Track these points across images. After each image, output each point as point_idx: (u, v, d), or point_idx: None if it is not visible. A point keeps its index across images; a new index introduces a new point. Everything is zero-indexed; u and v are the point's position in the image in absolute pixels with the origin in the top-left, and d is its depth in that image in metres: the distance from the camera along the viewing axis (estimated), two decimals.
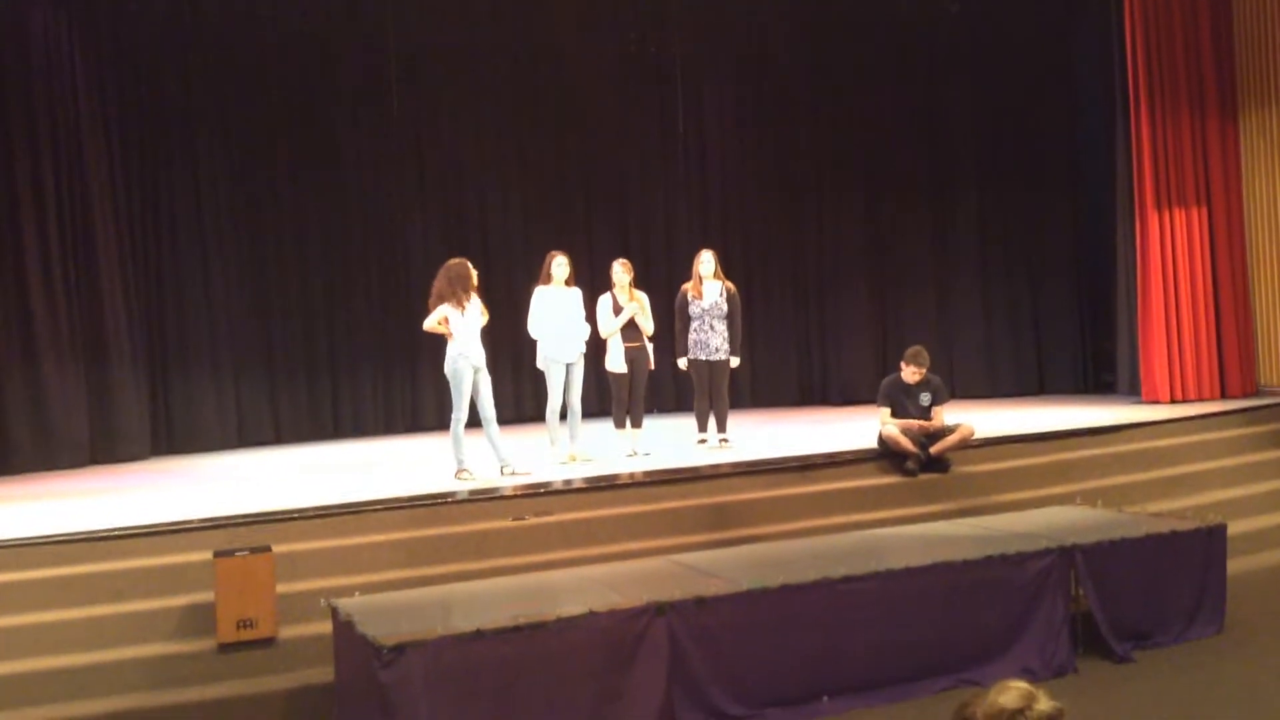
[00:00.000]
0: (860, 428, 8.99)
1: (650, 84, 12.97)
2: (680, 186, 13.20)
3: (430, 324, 8.01)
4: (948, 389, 8.38)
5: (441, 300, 7.94)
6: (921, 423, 7.85)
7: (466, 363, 7.87)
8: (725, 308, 8.88)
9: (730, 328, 8.90)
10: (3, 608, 5.77)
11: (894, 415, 7.91)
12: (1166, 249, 10.43)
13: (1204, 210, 10.56)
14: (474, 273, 8.03)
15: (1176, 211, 10.45)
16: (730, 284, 9.06)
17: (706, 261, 8.95)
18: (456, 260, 8.12)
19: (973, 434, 7.91)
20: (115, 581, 5.97)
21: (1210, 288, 10.58)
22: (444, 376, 7.97)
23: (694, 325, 8.91)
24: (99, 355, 10.51)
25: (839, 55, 12.88)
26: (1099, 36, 11.37)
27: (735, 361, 8.97)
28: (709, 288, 8.92)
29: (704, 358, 8.92)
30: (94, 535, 6.31)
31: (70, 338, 10.25)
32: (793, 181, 13.05)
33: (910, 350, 8.05)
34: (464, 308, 7.90)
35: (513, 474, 7.85)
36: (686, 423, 9.34)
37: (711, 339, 8.88)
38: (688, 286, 9.00)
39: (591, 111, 12.88)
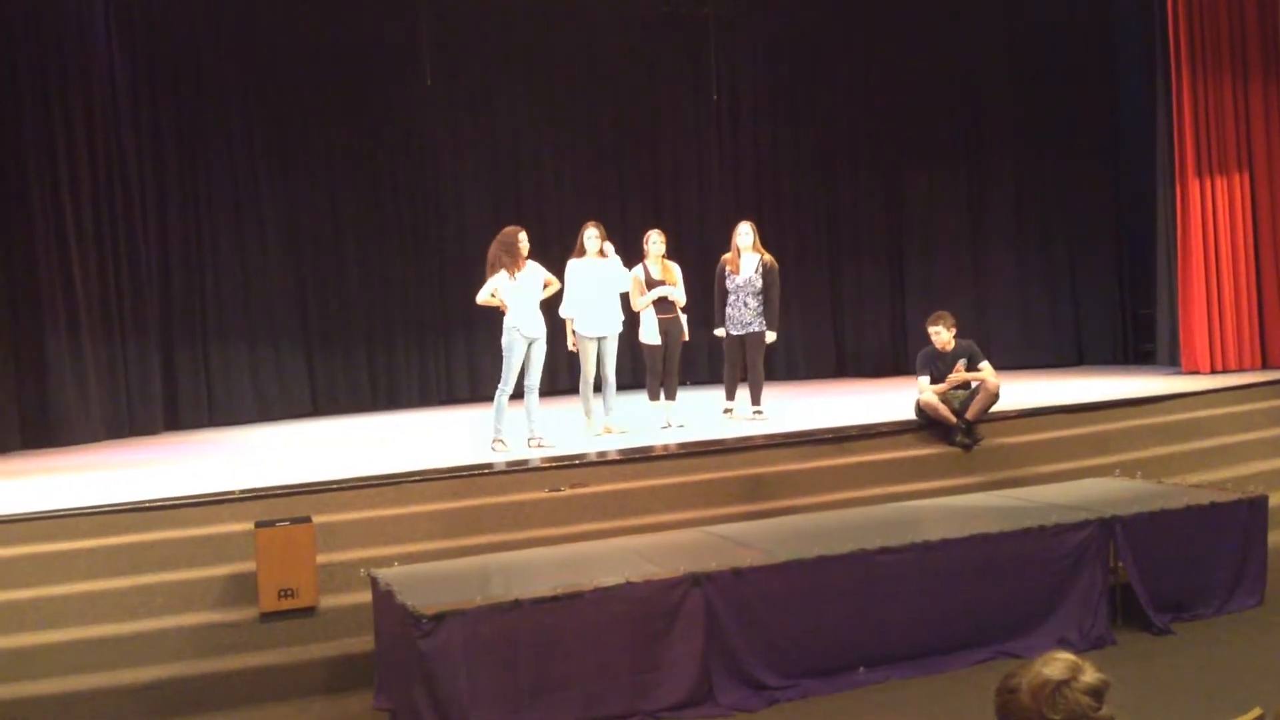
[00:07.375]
0: (895, 399, 8.94)
1: (683, 50, 12.87)
2: (714, 154, 13.13)
3: (482, 298, 7.95)
4: (982, 355, 8.25)
5: (494, 270, 7.86)
6: (951, 378, 7.68)
7: (519, 335, 7.80)
8: (759, 283, 8.79)
9: (767, 302, 8.80)
10: (49, 577, 5.87)
11: (933, 383, 7.82)
12: (1208, 216, 10.26)
13: (1246, 176, 10.37)
14: (524, 240, 7.91)
15: (1218, 178, 10.27)
16: (769, 257, 8.94)
17: (744, 233, 8.87)
18: (509, 228, 8.05)
19: (997, 389, 7.62)
20: (159, 551, 6.07)
21: (1252, 256, 10.39)
22: (481, 348, 7.91)
23: (729, 299, 8.86)
24: (139, 328, 10.65)
25: (873, 19, 12.72)
26: None
27: (771, 336, 8.89)
28: (746, 260, 8.84)
29: (736, 333, 8.87)
30: (138, 506, 6.39)
31: (111, 311, 10.37)
32: (827, 149, 12.95)
33: (931, 316, 7.92)
34: (515, 276, 7.82)
35: (539, 446, 7.85)
36: (720, 394, 9.32)
37: (744, 314, 8.81)
38: (727, 258, 8.94)
39: (625, 78, 12.83)
